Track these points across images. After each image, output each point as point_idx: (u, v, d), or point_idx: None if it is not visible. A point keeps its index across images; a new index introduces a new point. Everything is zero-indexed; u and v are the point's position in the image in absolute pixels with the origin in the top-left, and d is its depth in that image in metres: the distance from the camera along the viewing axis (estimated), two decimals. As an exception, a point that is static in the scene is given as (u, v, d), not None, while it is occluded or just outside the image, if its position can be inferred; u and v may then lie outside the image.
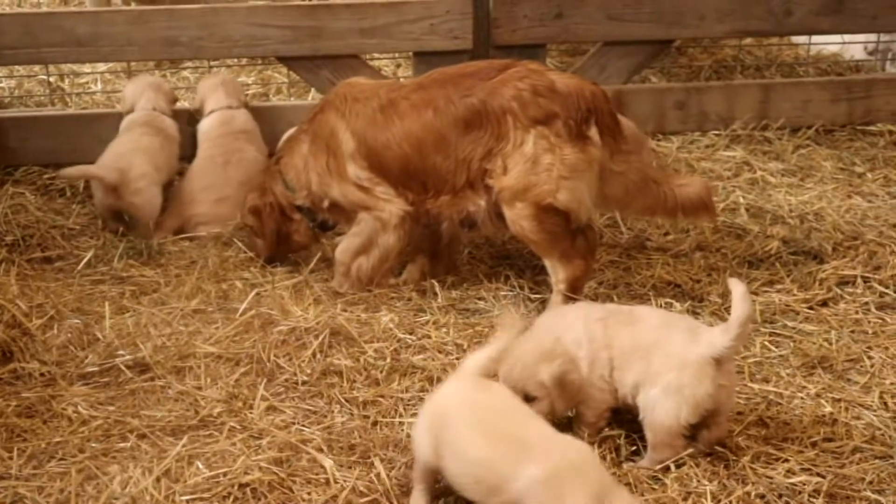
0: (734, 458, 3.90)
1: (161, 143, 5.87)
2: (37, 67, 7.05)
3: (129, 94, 6.08)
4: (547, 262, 4.91)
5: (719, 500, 3.68)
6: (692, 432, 3.85)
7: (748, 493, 3.71)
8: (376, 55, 7.25)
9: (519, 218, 4.81)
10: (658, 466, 3.81)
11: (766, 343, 4.68)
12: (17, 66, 7.13)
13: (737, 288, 3.72)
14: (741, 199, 5.97)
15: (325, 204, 5.20)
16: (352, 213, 5.13)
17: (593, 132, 4.78)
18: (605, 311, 4.04)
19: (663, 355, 3.81)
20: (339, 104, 5.09)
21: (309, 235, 5.39)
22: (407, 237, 5.07)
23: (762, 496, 3.72)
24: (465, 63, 5.32)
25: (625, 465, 3.86)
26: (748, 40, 7.83)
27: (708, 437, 3.89)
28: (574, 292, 4.83)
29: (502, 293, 5.07)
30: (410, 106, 4.94)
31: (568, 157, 4.73)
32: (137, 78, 6.26)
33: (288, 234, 5.35)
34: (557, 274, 4.87)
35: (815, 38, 7.55)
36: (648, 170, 4.98)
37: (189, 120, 6.20)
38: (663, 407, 3.78)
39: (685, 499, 3.68)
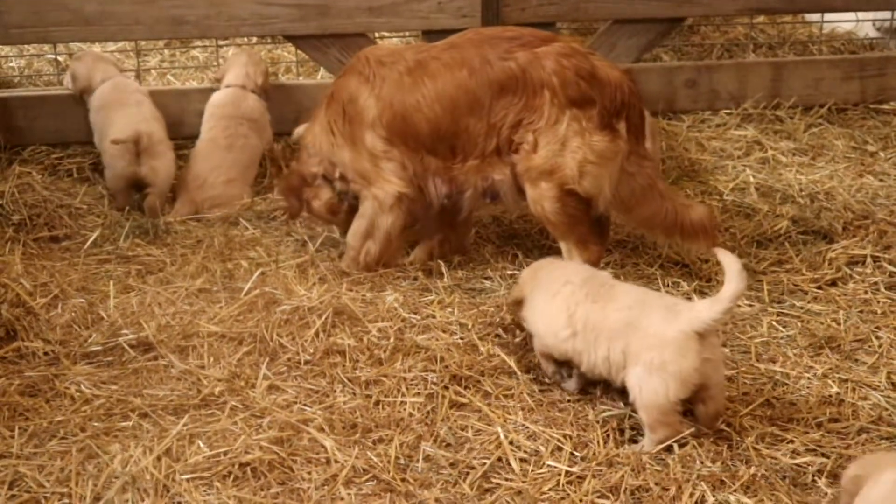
0: (738, 438, 3.87)
1: (154, 110, 5.90)
2: (46, 47, 7.04)
3: (81, 73, 6.05)
4: (563, 246, 4.87)
5: (723, 481, 3.66)
6: (686, 408, 3.83)
7: (753, 475, 3.68)
8: (385, 34, 7.21)
9: (542, 199, 4.76)
10: (658, 447, 3.78)
11: (774, 323, 4.65)
12: (26, 46, 7.12)
13: (732, 264, 3.70)
14: (751, 179, 5.92)
15: (337, 174, 5.10)
16: (352, 184, 5.05)
17: (622, 126, 4.75)
18: (583, 291, 4.04)
19: (641, 336, 3.80)
20: (363, 68, 4.97)
21: (330, 204, 5.20)
22: (405, 216, 5.02)
23: (766, 477, 3.69)
24: (504, 26, 5.24)
25: (626, 448, 3.84)
26: (761, 18, 7.76)
27: (705, 412, 3.86)
28: (587, 277, 4.80)
29: (509, 272, 5.04)
30: (442, 66, 4.84)
31: (597, 144, 4.69)
32: (80, 56, 6.20)
33: (308, 201, 5.23)
34: (573, 259, 4.82)
35: (829, 16, 7.47)
36: (658, 181, 4.91)
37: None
38: (649, 386, 3.76)
39: (688, 480, 3.65)
